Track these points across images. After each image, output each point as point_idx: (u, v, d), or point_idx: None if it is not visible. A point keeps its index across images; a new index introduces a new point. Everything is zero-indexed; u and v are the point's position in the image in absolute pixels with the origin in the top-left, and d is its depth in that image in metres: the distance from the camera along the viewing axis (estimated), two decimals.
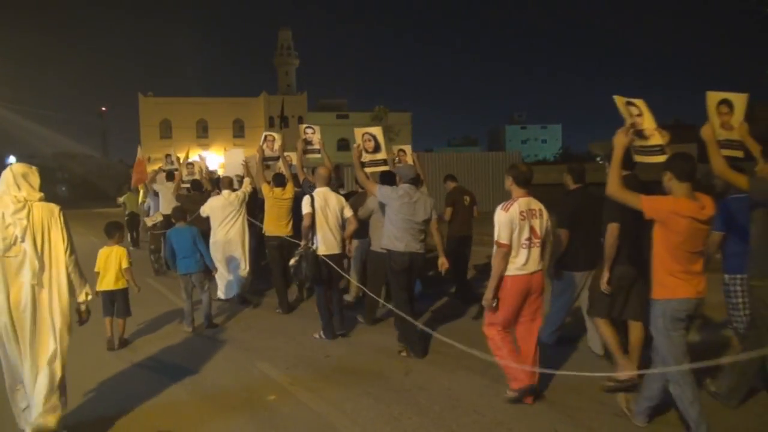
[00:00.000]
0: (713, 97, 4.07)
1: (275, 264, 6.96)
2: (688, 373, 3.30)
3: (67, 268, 3.52)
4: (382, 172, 5.93)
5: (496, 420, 3.81)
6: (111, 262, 5.59)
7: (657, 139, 3.93)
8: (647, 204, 3.34)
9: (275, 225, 6.96)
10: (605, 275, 4.17)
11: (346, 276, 5.95)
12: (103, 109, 72.42)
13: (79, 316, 3.72)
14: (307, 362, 5.09)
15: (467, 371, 4.74)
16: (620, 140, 3.59)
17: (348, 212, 5.86)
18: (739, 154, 4.09)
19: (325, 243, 5.67)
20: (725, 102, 4.05)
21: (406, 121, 62.00)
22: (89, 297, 3.72)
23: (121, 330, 5.75)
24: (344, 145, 62.85)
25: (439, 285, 7.72)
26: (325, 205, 5.71)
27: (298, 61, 66.87)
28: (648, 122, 3.94)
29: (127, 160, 14.03)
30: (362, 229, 6.25)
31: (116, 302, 5.63)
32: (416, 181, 5.52)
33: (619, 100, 3.93)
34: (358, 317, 6.31)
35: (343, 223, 5.86)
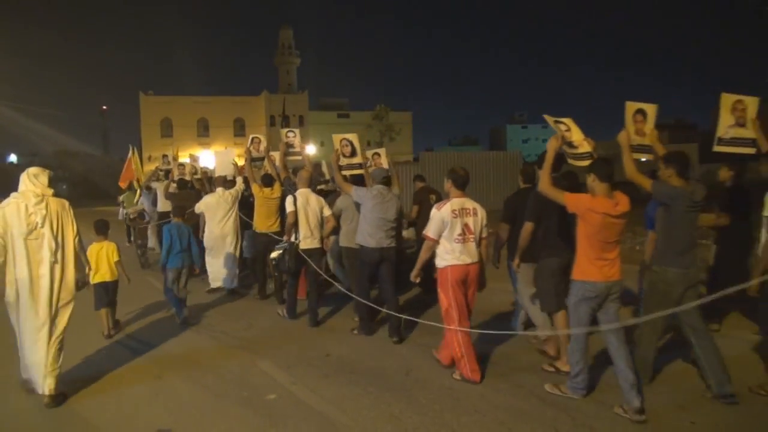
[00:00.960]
0: (630, 107, 4.54)
1: (261, 257, 7.39)
2: (582, 341, 3.99)
3: (75, 248, 4.39)
4: (354, 176, 6.60)
5: (497, 419, 3.81)
6: (102, 257, 5.89)
7: (585, 147, 4.60)
8: (569, 200, 3.95)
9: (264, 222, 7.40)
10: (516, 260, 4.93)
11: (321, 273, 6.51)
12: (104, 107, 72.66)
13: (77, 285, 4.50)
14: (308, 361, 5.09)
15: None
16: (552, 145, 4.25)
17: (327, 211, 6.40)
18: (650, 157, 4.58)
19: (305, 239, 6.22)
20: (640, 111, 4.54)
21: (407, 121, 62.03)
22: (90, 272, 4.81)
23: (112, 318, 6.08)
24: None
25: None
26: (306, 204, 6.26)
27: (299, 60, 66.88)
28: (576, 135, 4.61)
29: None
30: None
31: (109, 293, 5.95)
32: (387, 182, 6.01)
33: (549, 119, 4.58)
34: (355, 318, 6.32)
35: (322, 222, 6.39)
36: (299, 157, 7.76)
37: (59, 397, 4.24)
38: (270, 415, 3.98)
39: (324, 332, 6.03)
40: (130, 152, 11.93)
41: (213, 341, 5.84)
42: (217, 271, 7.95)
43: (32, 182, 4.27)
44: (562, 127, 4.59)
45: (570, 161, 4.70)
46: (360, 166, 6.78)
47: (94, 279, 5.73)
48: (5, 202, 4.26)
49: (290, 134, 7.80)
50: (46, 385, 4.19)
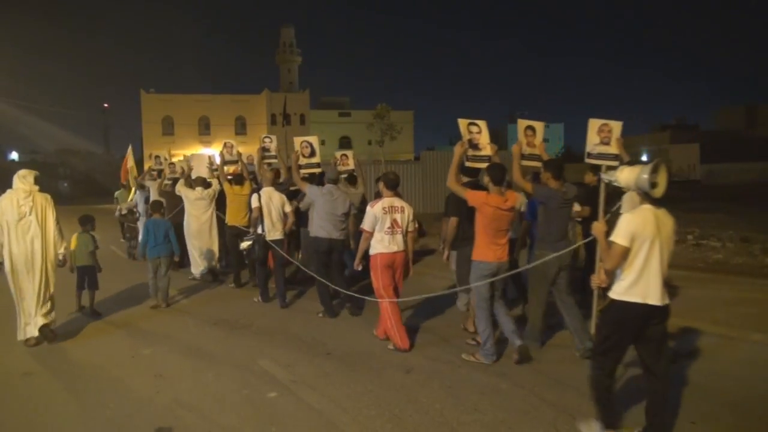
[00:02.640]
0: (521, 124, 5.68)
1: (234, 248, 8.03)
2: (486, 313, 4.93)
3: (54, 231, 5.70)
4: (311, 174, 7.47)
5: (497, 419, 3.81)
6: (80, 245, 6.71)
7: (487, 151, 5.44)
8: (469, 196, 4.92)
9: (235, 216, 8.23)
10: (445, 253, 5.68)
11: (291, 260, 7.52)
12: (106, 105, 72.47)
13: (57, 259, 5.79)
14: (308, 360, 5.09)
15: (469, 369, 4.76)
16: (458, 150, 5.24)
17: (288, 208, 7.21)
18: (539, 164, 5.51)
19: (269, 231, 7.06)
20: (530, 128, 5.66)
21: (408, 120, 61.93)
22: (65, 250, 5.91)
23: (91, 301, 6.82)
24: (346, 143, 62.71)
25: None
26: (270, 201, 7.09)
27: (300, 59, 66.77)
28: (484, 138, 5.47)
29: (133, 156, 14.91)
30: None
31: (87, 277, 6.74)
32: (353, 180, 7.16)
33: (462, 122, 5.43)
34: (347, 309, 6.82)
35: (284, 217, 7.24)
36: (275, 160, 8.38)
37: (48, 333, 5.58)
38: (270, 413, 3.98)
39: (324, 331, 6.03)
40: (129, 150, 12.89)
41: (213, 339, 5.85)
42: (196, 261, 8.84)
43: (21, 181, 5.62)
44: (474, 129, 5.47)
45: (468, 163, 5.44)
46: (318, 165, 7.62)
47: (76, 263, 6.67)
48: (2, 196, 5.58)
49: (266, 140, 8.57)
50: (36, 324, 5.52)
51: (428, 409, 3.97)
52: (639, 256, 3.32)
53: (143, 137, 52.48)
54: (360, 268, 5.67)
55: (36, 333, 5.52)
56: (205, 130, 55.82)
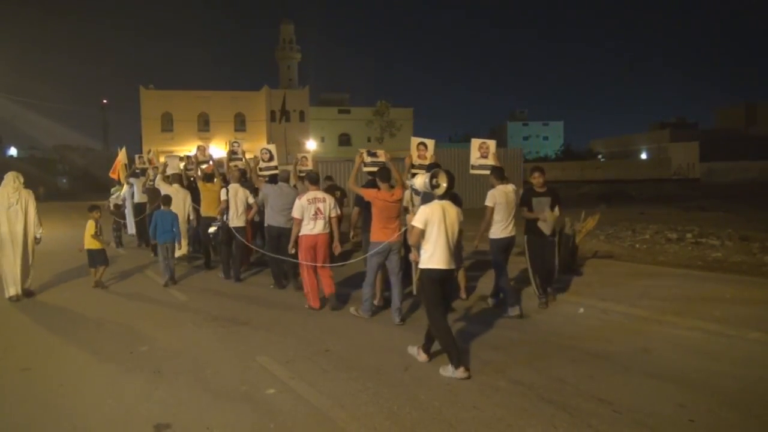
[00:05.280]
0: (414, 141, 7.28)
1: (206, 234, 9.49)
2: (372, 279, 6.32)
3: (34, 218, 7.51)
4: (270, 175, 9.06)
5: (496, 416, 3.81)
6: (86, 231, 8.15)
7: (382, 158, 7.07)
8: (364, 193, 6.47)
9: (208, 208, 9.45)
10: (352, 232, 6.95)
11: (248, 244, 9.01)
12: (105, 101, 72.08)
13: (35, 240, 7.64)
14: (307, 357, 5.09)
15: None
16: (357, 160, 7.06)
17: (251, 200, 8.66)
18: (422, 171, 6.34)
19: (234, 219, 8.52)
20: (422, 143, 7.26)
21: (407, 117, 61.86)
22: (42, 233, 7.73)
23: (101, 275, 8.32)
24: (346, 140, 62.64)
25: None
26: (235, 195, 8.55)
27: (300, 56, 66.66)
28: (381, 151, 7.23)
29: (128, 153, 15.42)
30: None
31: (94, 257, 8.15)
32: (314, 182, 8.17)
33: (363, 150, 7.18)
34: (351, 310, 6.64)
35: (249, 207, 8.67)
36: (240, 162, 9.88)
37: (28, 293, 7.51)
38: (269, 410, 3.98)
39: (323, 328, 6.04)
40: (121, 151, 14.32)
41: (212, 335, 5.85)
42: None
43: (14, 179, 7.46)
44: (376, 149, 7.22)
45: (366, 168, 7.01)
46: (276, 168, 9.24)
47: (85, 246, 8.14)
48: None
49: (235, 144, 10.46)
50: (16, 285, 7.33)
51: (427, 407, 3.97)
52: (432, 234, 4.63)
53: (142, 133, 52.34)
54: (293, 251, 6.85)
55: (17, 292, 7.30)
56: (204, 127, 55.58)
